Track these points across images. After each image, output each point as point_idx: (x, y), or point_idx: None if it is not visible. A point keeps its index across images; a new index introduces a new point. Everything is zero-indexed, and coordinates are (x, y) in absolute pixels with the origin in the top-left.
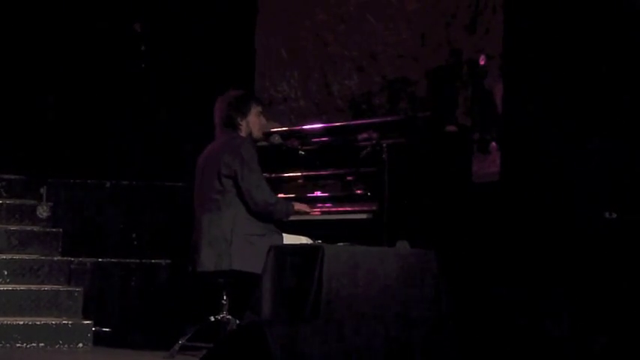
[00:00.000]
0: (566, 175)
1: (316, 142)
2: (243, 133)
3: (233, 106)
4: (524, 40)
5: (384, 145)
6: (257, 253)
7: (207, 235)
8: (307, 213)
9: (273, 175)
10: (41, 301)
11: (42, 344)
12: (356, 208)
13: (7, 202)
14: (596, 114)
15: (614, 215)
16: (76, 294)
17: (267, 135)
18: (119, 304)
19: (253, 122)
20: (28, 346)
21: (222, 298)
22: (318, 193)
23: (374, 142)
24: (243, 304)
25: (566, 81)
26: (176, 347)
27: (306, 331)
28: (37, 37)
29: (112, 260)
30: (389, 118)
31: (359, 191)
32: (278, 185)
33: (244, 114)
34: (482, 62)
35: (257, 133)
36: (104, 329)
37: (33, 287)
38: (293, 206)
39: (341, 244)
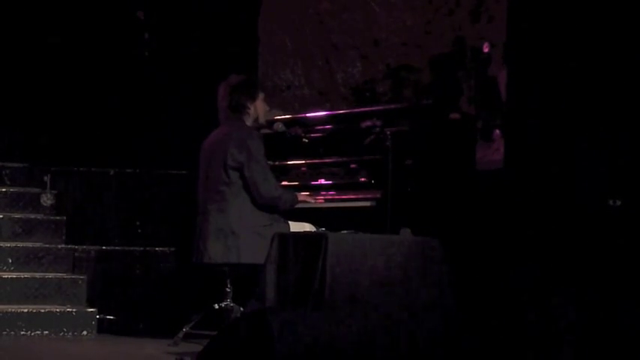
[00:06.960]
0: (570, 163)
1: (320, 129)
2: (250, 119)
3: (243, 90)
4: (527, 28)
5: (388, 132)
6: (265, 244)
7: (213, 227)
8: (310, 202)
9: (277, 163)
10: (45, 289)
11: (46, 332)
12: (359, 196)
13: (11, 190)
14: (600, 102)
15: (618, 203)
16: (80, 282)
17: (271, 123)
18: (123, 292)
19: (260, 107)
20: (32, 333)
21: (227, 286)
22: (322, 181)
23: (377, 129)
24: (247, 292)
25: (570, 68)
26: (180, 335)
27: (310, 319)
28: (41, 26)
29: (116, 248)
30: (392, 106)
31: (362, 179)
32: (281, 173)
33: (253, 98)
34: (486, 50)
35: (263, 118)
36: (108, 317)
37: (37, 275)
38: (297, 196)
39: (344, 231)
